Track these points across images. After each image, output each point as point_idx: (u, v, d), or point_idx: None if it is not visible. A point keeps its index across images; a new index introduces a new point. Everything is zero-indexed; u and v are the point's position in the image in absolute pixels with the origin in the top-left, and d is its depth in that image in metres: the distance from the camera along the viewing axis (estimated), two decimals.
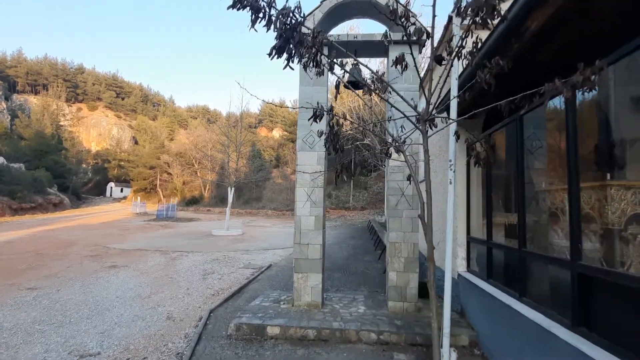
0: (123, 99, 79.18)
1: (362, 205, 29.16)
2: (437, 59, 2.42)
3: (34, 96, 63.65)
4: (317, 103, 2.85)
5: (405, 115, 2.66)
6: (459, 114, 3.55)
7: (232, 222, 19.68)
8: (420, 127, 2.35)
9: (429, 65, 2.61)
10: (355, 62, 5.63)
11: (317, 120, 2.46)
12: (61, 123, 60.18)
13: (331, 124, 2.44)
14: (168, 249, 11.47)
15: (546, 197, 3.06)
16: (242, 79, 50.29)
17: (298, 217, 5.07)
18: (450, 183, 3.22)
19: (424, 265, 6.43)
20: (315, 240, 5.02)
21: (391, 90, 2.77)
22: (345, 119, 2.45)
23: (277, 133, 58.91)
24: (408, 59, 5.15)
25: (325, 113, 2.47)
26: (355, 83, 5.60)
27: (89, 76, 77.33)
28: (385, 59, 5.77)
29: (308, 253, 5.01)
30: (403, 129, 2.97)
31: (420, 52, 5.26)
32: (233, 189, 16.32)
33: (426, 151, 2.37)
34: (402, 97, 2.55)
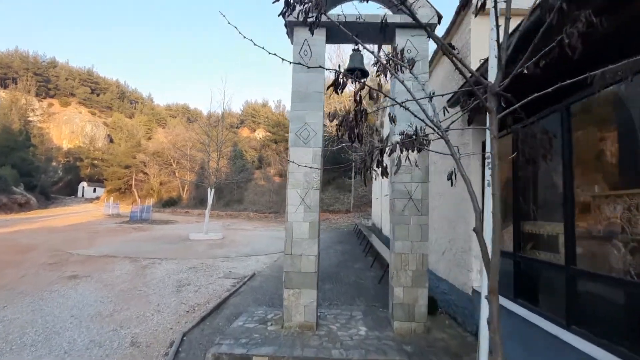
0: (98, 95, 75.83)
1: (347, 208, 28.63)
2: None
3: (3, 90, 59.77)
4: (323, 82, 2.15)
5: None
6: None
7: (212, 225, 18.65)
8: (488, 105, 1.70)
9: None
10: (357, 46, 5.02)
11: (339, 92, 1.77)
12: (30, 118, 56.77)
13: (358, 98, 1.76)
14: (139, 255, 10.43)
15: (606, 203, 2.49)
16: (225, 78, 48.69)
17: (289, 224, 4.36)
18: (488, 185, 2.60)
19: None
20: (310, 250, 4.32)
21: (404, 68, 2.12)
22: (379, 91, 1.75)
23: (259, 134, 57.69)
24: (415, 42, 4.58)
25: (350, 80, 1.79)
26: (355, 72, 4.97)
27: (62, 70, 73.58)
28: (389, 46, 5.18)
29: (301, 265, 4.30)
30: (446, 111, 2.32)
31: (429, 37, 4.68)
32: (213, 190, 15.36)
33: (494, 138, 1.73)
34: (460, 64, 1.88)
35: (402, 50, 2.28)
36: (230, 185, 36.70)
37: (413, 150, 1.87)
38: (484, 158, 4.33)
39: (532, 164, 2.09)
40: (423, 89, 2.65)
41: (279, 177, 40.09)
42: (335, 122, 1.97)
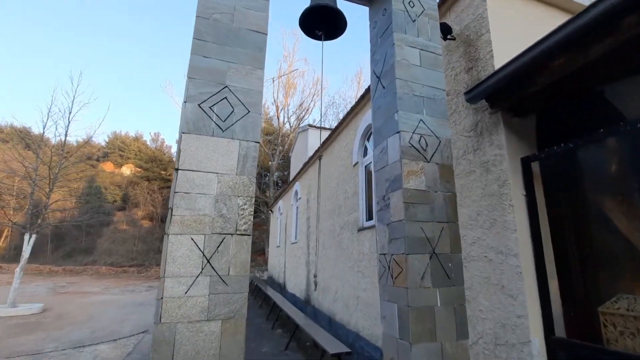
0: None
1: None
2: None
3: None
4: None
5: None
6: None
7: (31, 289, 12.49)
8: None
9: None
10: None
11: None
12: None
13: None
14: None
15: None
16: (73, 90, 37.95)
17: (166, 327, 1.61)
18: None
19: None
20: None
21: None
22: None
23: (127, 170, 48.41)
24: None
25: None
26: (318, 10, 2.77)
27: None
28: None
29: None
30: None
31: None
32: (34, 236, 10.11)
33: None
34: None
35: None
36: (77, 229, 28.20)
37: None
38: (529, 178, 2.62)
39: None
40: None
41: (149, 220, 33.23)
42: None
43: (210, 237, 1.77)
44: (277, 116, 26.11)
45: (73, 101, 11.09)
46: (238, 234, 1.83)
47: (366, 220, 5.60)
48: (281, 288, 11.90)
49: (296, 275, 10.25)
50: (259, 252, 24.77)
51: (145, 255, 28.08)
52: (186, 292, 1.68)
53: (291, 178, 13.35)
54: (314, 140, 11.13)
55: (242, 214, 1.86)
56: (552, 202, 2.74)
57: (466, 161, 3.20)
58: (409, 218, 2.21)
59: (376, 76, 2.80)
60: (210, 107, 1.95)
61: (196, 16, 2.07)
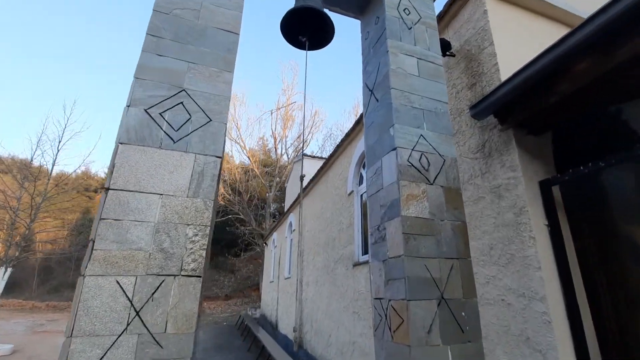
0: None
1: (228, 292, 23.65)
2: None
3: None
4: None
5: None
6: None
7: (9, 327, 11.58)
8: None
9: None
10: None
11: None
12: None
13: None
14: None
15: None
16: (68, 113, 36.71)
17: None
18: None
19: None
20: None
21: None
22: None
23: None
24: (417, 3, 2.54)
25: None
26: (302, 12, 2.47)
27: None
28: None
29: None
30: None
31: None
32: (9, 269, 9.45)
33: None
34: None
35: None
36: (67, 263, 27.20)
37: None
38: (551, 205, 2.20)
39: None
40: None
41: None
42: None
43: (143, 279, 1.32)
44: (275, 148, 26.10)
45: (64, 130, 10.89)
46: (183, 275, 1.37)
47: (362, 255, 5.10)
48: (273, 328, 11.01)
49: (288, 314, 9.47)
50: (254, 287, 23.66)
51: None
52: (101, 359, 1.20)
53: (286, 209, 12.88)
54: (309, 170, 10.84)
55: (192, 249, 1.42)
56: (578, 233, 2.31)
57: (473, 186, 2.80)
58: (410, 253, 1.76)
59: (369, 89, 2.47)
60: (160, 114, 1.57)
61: (153, 10, 1.76)
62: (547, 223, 2.27)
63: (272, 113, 25.57)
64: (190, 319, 1.33)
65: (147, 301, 1.30)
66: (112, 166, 1.42)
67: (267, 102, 52.09)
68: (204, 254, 1.43)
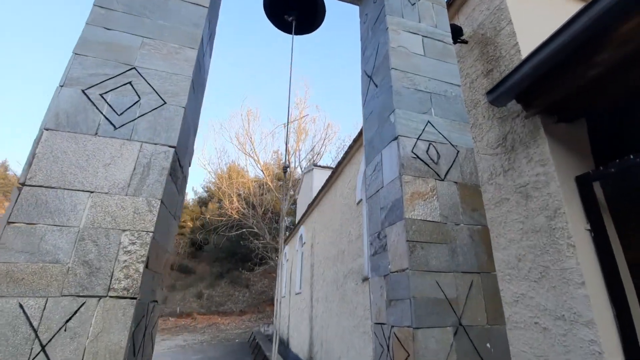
0: None
1: (242, 307, 23.25)
2: None
3: None
4: None
5: None
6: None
7: None
8: None
9: None
10: None
11: None
12: None
13: None
14: None
15: None
16: None
17: None
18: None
19: None
20: None
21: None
22: None
23: None
24: None
25: None
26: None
27: None
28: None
29: None
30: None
31: None
32: None
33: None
34: None
35: None
36: None
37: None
38: (593, 205, 1.77)
39: None
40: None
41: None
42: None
43: (56, 302, 1.00)
44: (288, 161, 26.02)
45: None
46: (112, 297, 1.05)
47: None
48: (284, 346, 10.51)
49: (299, 332, 9.00)
50: (268, 301, 23.20)
51: None
52: None
53: (297, 221, 12.54)
54: (319, 181, 10.50)
55: (125, 261, 1.09)
56: (629, 239, 1.86)
57: (494, 186, 2.39)
58: (417, 266, 1.39)
59: (367, 75, 2.15)
60: (101, 95, 1.29)
61: None
62: (589, 227, 1.84)
63: (284, 126, 25.61)
64: (116, 356, 1.00)
65: (57, 331, 0.97)
66: (32, 157, 1.13)
67: (280, 116, 52.64)
68: (141, 269, 1.10)
